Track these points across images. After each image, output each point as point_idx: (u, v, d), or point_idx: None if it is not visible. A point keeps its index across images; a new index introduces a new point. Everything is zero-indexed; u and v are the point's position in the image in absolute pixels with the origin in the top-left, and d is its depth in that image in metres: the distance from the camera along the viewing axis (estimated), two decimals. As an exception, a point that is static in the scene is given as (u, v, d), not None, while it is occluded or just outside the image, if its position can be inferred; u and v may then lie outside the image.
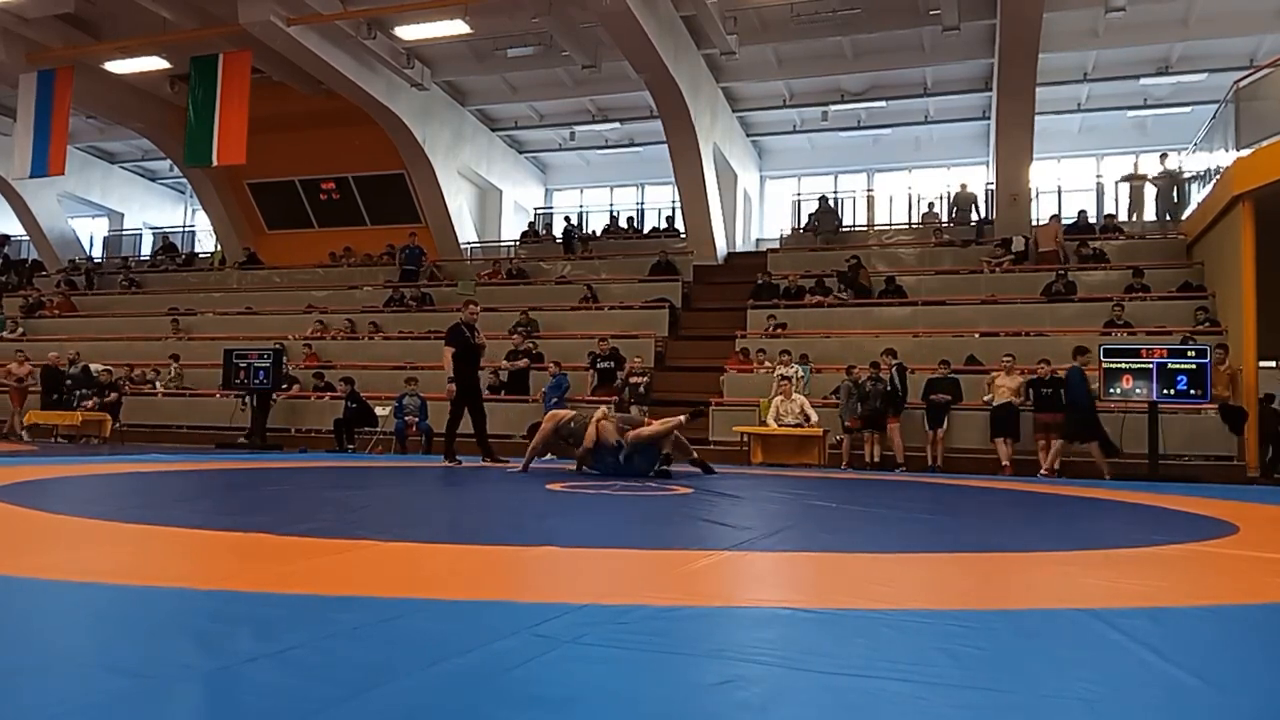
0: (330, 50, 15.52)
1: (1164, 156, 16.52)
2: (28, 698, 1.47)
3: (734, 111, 19.63)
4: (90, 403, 13.96)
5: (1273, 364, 11.45)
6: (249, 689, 1.53)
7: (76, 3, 14.88)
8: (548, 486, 6.01)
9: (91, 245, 25.00)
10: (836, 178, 21.45)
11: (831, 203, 18.86)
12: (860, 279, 15.00)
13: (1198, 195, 15.50)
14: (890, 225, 19.41)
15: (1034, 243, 15.35)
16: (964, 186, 18.02)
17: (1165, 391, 9.92)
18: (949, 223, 17.91)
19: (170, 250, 23.11)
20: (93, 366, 14.91)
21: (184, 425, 14.47)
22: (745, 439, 11.41)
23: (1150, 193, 16.38)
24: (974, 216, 17.68)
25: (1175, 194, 15.72)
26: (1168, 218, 15.77)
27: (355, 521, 4.07)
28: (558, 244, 19.79)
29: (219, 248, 21.93)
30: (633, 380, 12.88)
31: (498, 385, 13.39)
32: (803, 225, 19.01)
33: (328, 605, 2.23)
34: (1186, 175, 15.74)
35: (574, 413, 7.91)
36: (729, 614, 2.32)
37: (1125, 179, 17.02)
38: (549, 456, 8.72)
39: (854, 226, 19.38)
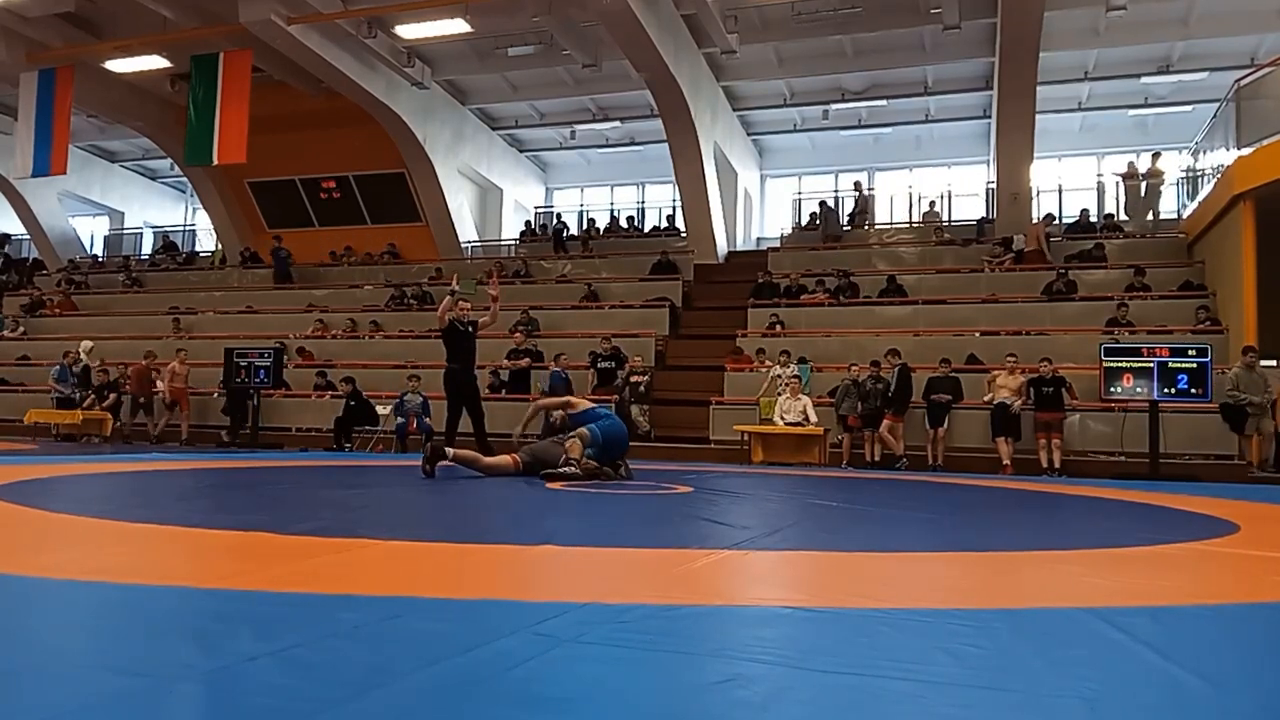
0: (331, 49, 15.51)
1: (1156, 156, 16.55)
2: (28, 697, 1.47)
3: (734, 110, 19.62)
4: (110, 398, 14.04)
5: (1274, 363, 11.44)
6: (249, 688, 1.53)
7: (77, 2, 14.88)
8: (548, 486, 6.01)
9: (92, 244, 25.03)
10: (837, 177, 21.46)
11: (831, 203, 18.99)
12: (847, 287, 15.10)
13: (1185, 194, 15.56)
14: (891, 224, 19.42)
15: (1026, 243, 15.41)
16: (823, 204, 18.67)
17: (1166, 390, 9.91)
18: (812, 228, 18.48)
19: (171, 249, 23.12)
20: (91, 365, 14.92)
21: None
22: (745, 438, 11.41)
23: (1141, 190, 16.44)
24: (843, 221, 18.39)
25: (1187, 189, 15.72)
26: (1155, 216, 15.92)
27: (355, 521, 4.06)
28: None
29: (219, 247, 21.94)
30: (633, 379, 12.88)
31: (498, 384, 13.40)
32: (804, 224, 19.08)
33: (328, 604, 2.23)
34: (1181, 173, 15.78)
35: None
36: (729, 613, 2.32)
37: (1123, 177, 17.02)
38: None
39: (851, 226, 19.39)
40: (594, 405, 7.43)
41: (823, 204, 18.84)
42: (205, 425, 14.30)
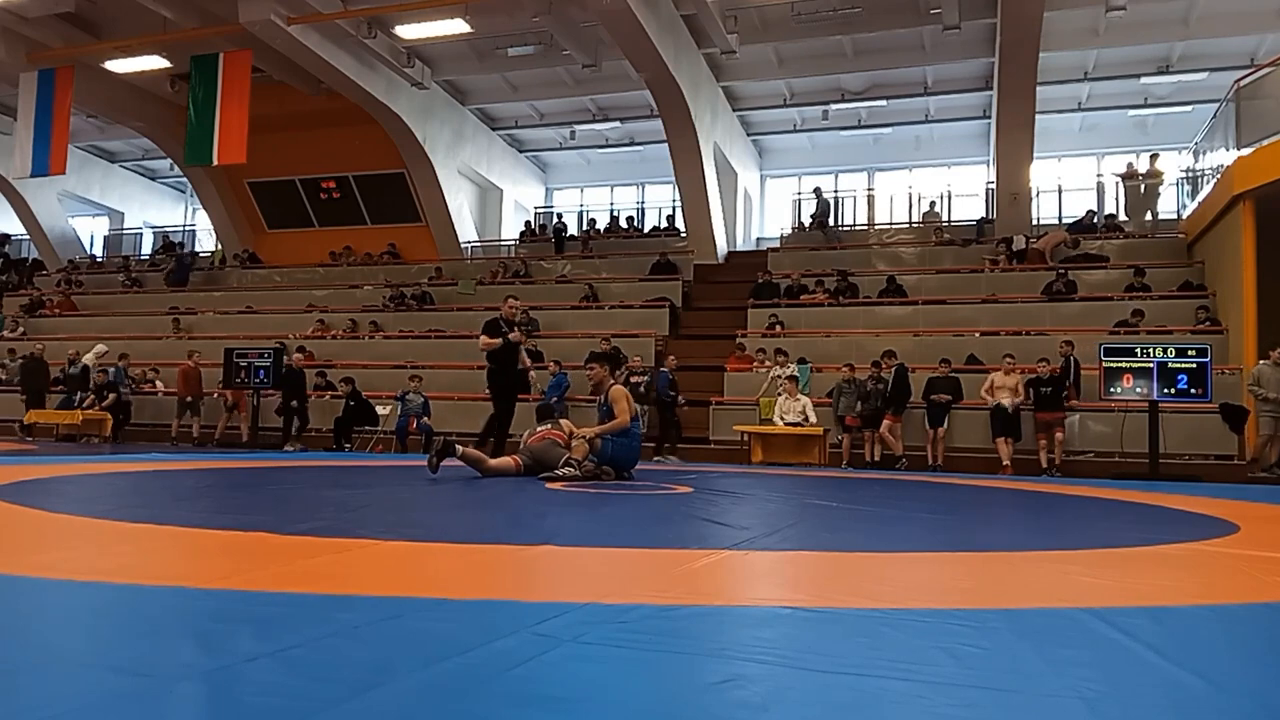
0: (330, 49, 15.52)
1: (1154, 157, 16.56)
2: (28, 697, 1.47)
3: (734, 110, 19.63)
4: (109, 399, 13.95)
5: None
6: (249, 688, 1.53)
7: (77, 2, 14.91)
8: (548, 486, 6.00)
9: (92, 244, 25.03)
10: (837, 177, 21.49)
11: (824, 204, 19.13)
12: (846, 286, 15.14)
13: (1185, 194, 15.55)
14: (890, 224, 19.43)
15: (1038, 244, 15.40)
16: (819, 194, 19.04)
17: (1166, 390, 9.91)
18: (815, 227, 18.64)
19: (171, 249, 23.13)
20: (89, 364, 14.89)
21: (184, 425, 14.45)
22: (745, 438, 11.41)
23: (1141, 191, 16.47)
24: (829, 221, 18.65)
25: (1187, 189, 15.73)
26: (1154, 216, 15.95)
27: (355, 520, 4.06)
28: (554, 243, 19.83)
29: (219, 246, 21.96)
30: (633, 380, 12.86)
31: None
32: (804, 223, 19.13)
33: (328, 604, 2.22)
34: (1181, 173, 15.78)
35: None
36: (729, 613, 2.32)
37: (1122, 177, 17.03)
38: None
39: (852, 226, 19.43)
40: (634, 420, 7.11)
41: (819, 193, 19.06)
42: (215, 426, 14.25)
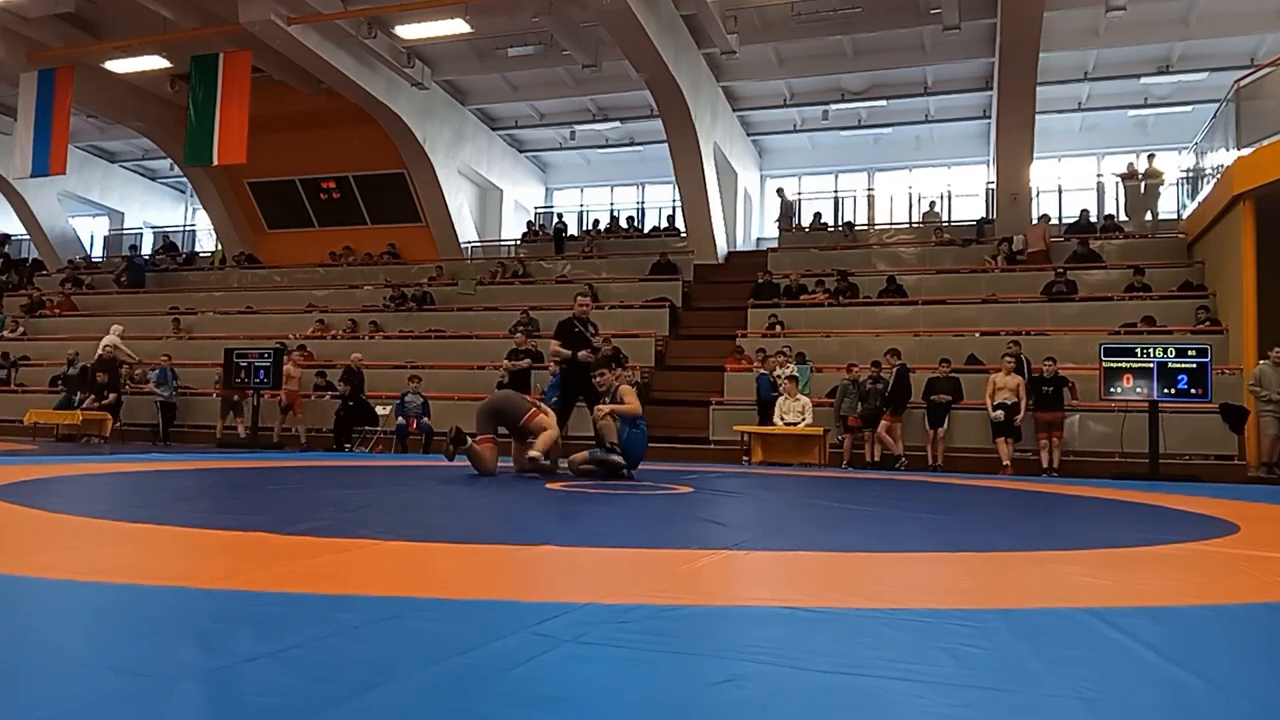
0: (330, 49, 15.52)
1: (1151, 157, 16.58)
2: (28, 697, 1.47)
3: (734, 110, 19.63)
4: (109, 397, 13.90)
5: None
6: (249, 688, 1.53)
7: (77, 2, 14.90)
8: (548, 486, 6.01)
9: (92, 244, 25.02)
10: (837, 177, 21.48)
11: (785, 205, 19.41)
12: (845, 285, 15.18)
13: (1185, 194, 15.56)
14: (891, 224, 19.44)
15: (1025, 243, 15.43)
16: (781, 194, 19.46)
17: (1166, 390, 9.91)
18: (819, 228, 18.88)
19: (171, 249, 23.12)
20: (113, 345, 14.90)
21: (184, 425, 14.47)
22: (745, 438, 11.41)
23: (1141, 191, 16.49)
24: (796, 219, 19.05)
25: (1187, 189, 15.75)
26: (1154, 216, 15.97)
27: (355, 521, 4.06)
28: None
29: (219, 247, 21.95)
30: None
31: (500, 385, 13.38)
32: (800, 224, 19.22)
33: (328, 604, 2.23)
34: (1181, 173, 15.79)
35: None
36: (730, 613, 2.32)
37: (1122, 177, 17.03)
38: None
39: (850, 225, 19.44)
40: (640, 418, 7.37)
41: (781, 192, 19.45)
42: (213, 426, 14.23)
